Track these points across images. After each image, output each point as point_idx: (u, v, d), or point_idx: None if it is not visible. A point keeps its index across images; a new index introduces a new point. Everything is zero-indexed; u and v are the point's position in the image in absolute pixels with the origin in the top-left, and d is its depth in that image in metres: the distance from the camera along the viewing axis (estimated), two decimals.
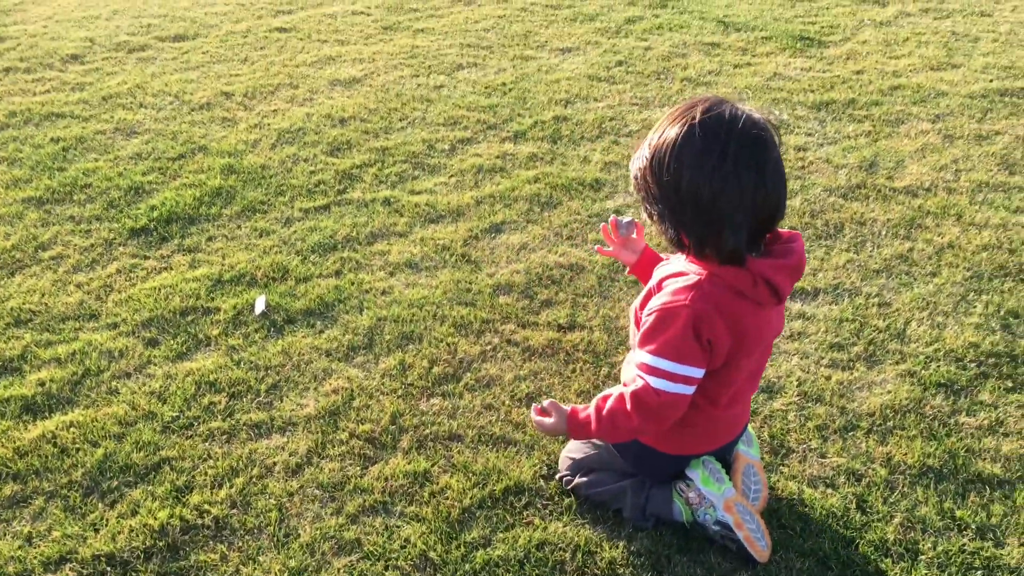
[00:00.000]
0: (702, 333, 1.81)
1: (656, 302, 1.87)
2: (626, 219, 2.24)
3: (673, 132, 1.75)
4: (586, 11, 6.52)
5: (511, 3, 6.87)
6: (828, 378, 2.66)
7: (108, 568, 2.12)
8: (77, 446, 2.50)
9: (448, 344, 2.88)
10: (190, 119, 4.80)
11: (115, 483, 2.37)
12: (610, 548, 2.12)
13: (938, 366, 2.68)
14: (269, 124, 4.69)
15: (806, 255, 2.03)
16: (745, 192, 1.71)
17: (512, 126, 4.59)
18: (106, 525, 2.23)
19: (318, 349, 2.89)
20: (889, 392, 2.58)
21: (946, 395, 2.57)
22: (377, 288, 3.21)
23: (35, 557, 2.16)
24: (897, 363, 2.71)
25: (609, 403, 1.97)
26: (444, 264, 3.37)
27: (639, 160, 1.84)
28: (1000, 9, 6.18)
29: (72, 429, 2.56)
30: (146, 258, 3.48)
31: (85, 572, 2.11)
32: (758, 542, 2.03)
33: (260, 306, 3.10)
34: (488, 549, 2.13)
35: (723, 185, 1.71)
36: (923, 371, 2.67)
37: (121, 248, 3.55)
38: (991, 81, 4.86)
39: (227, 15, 6.76)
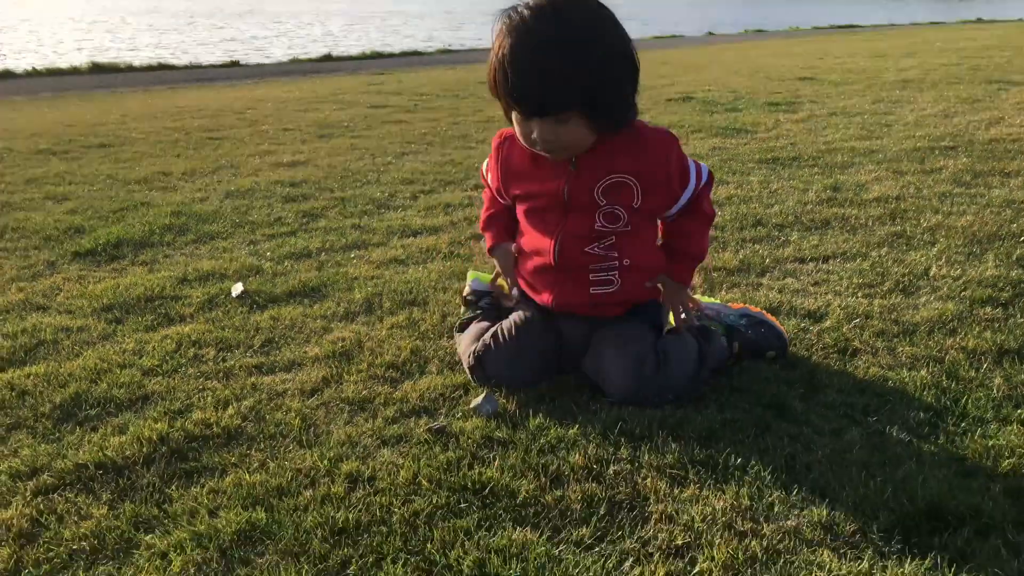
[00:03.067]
0: None
1: (665, 151, 1.94)
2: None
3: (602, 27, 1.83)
4: None
5: (441, 117, 7.02)
6: (870, 304, 2.52)
7: (98, 473, 1.69)
8: (40, 389, 2.09)
9: (458, 304, 2.62)
10: (127, 189, 4.55)
11: (93, 412, 1.97)
12: (702, 419, 1.84)
13: (974, 290, 2.59)
14: (215, 188, 4.48)
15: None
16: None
17: (472, 182, 4.51)
18: (88, 444, 1.81)
19: (311, 316, 2.58)
20: (936, 309, 2.46)
21: (993, 306, 2.47)
22: (365, 276, 2.95)
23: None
24: (932, 292, 2.61)
25: (701, 229, 2.04)
26: (433, 259, 3.15)
27: (591, 63, 1.79)
28: (899, 111, 6.67)
29: (32, 378, 2.15)
30: (95, 271, 3.13)
31: (67, 479, 1.68)
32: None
33: (237, 290, 2.79)
34: (559, 430, 1.82)
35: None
36: (962, 293, 2.57)
37: (66, 267, 3.20)
38: (918, 142, 5.13)
39: (153, 132, 6.63)
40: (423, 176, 4.65)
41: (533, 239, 2.05)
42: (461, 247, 3.29)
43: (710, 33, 27.58)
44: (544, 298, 2.08)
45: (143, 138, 6.28)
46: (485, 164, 2.21)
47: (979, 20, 30.94)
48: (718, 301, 2.36)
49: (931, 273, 2.76)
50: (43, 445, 1.80)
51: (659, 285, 2.09)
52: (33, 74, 16.20)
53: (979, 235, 3.15)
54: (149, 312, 2.63)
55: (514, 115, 1.88)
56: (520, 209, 2.08)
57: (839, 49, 13.97)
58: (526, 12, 1.79)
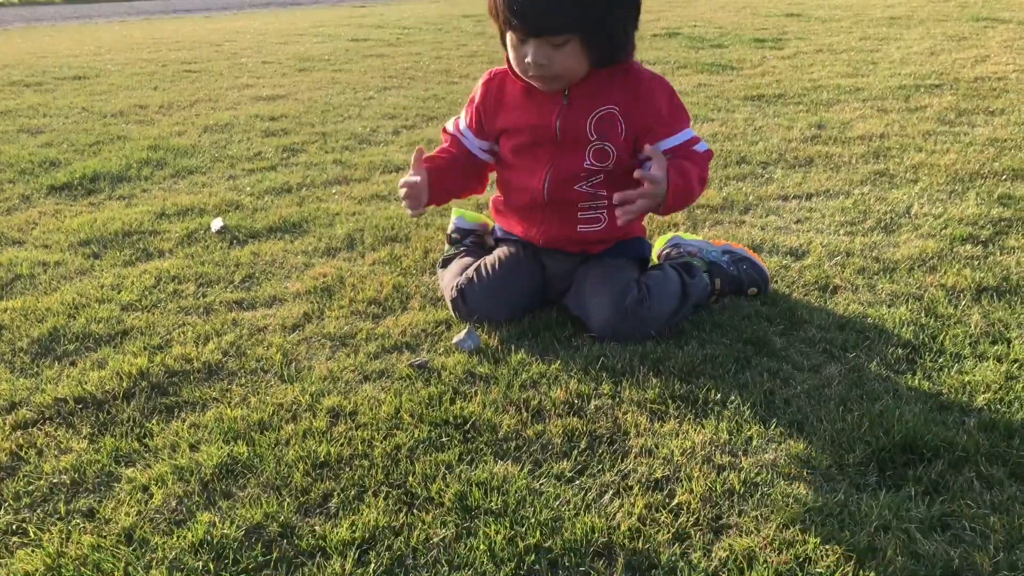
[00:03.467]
0: None
1: (659, 89, 1.93)
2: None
3: None
4: (499, 56, 6.58)
5: (424, 51, 6.90)
6: (851, 241, 2.53)
7: (78, 407, 1.69)
8: (17, 324, 2.07)
9: (441, 240, 2.61)
10: (103, 121, 4.46)
11: (72, 347, 1.95)
12: (683, 355, 1.84)
13: (955, 228, 2.59)
14: (193, 122, 4.40)
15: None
16: None
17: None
18: (67, 378, 1.80)
19: (292, 252, 2.56)
20: (917, 247, 2.46)
21: (973, 244, 2.48)
22: (346, 212, 2.92)
23: None
24: (914, 230, 2.61)
25: (696, 172, 1.90)
26: None
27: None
28: (886, 48, 6.60)
29: (9, 312, 2.13)
30: (72, 205, 3.08)
31: (46, 414, 1.67)
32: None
33: (217, 225, 2.76)
34: (541, 365, 1.82)
35: None
36: (942, 231, 2.58)
37: (42, 201, 3.15)
38: (904, 80, 5.09)
39: (128, 64, 6.49)
40: (405, 111, 4.59)
41: (521, 176, 2.03)
42: None
43: None
44: (531, 233, 2.07)
45: (118, 70, 6.14)
46: (452, 120, 2.16)
47: None
48: (700, 238, 2.36)
49: (913, 211, 2.76)
50: (21, 379, 1.79)
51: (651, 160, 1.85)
52: (4, 4, 15.79)
53: (961, 173, 3.15)
54: (127, 247, 2.60)
55: (509, 38, 1.85)
56: (508, 145, 2.05)
57: None
58: None
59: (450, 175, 2.06)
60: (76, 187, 3.24)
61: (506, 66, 1.99)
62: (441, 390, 1.72)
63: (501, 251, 2.14)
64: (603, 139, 1.94)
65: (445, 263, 2.24)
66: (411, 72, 6.00)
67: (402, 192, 1.95)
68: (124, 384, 1.75)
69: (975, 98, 4.48)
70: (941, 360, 1.81)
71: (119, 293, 2.23)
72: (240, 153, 3.72)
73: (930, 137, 3.72)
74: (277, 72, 6.02)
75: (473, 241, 2.32)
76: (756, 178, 3.22)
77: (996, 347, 1.86)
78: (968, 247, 2.44)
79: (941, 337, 1.90)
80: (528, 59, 1.82)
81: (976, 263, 2.32)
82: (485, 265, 2.09)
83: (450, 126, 2.15)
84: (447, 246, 2.38)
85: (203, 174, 3.44)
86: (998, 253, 2.39)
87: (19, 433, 1.60)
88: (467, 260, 2.19)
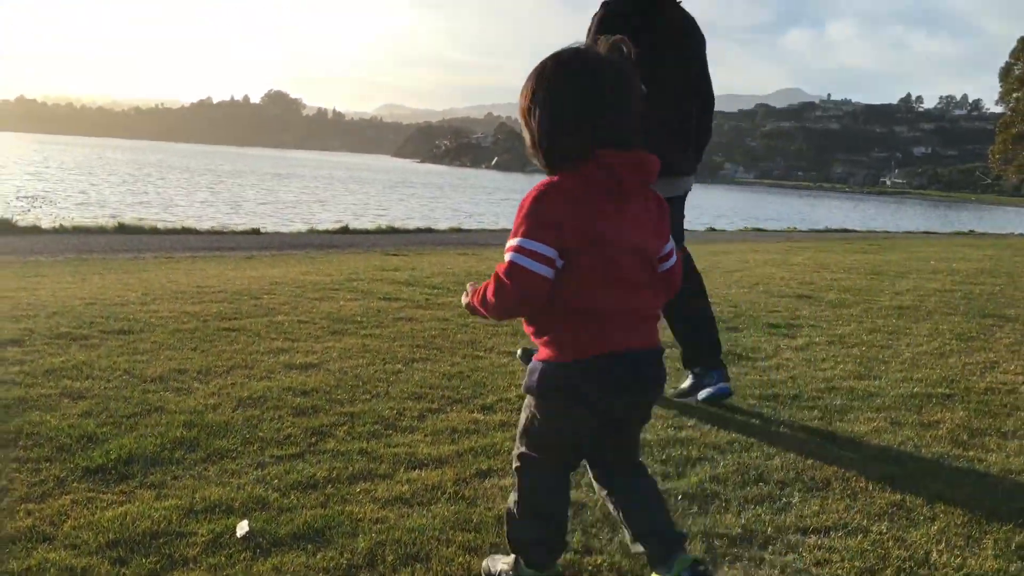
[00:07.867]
0: None
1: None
2: None
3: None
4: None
5: (452, 317, 7.21)
6: None
7: None
8: None
9: (460, 563, 2.65)
10: (143, 388, 4.64)
11: None
12: None
13: None
14: (228, 393, 4.57)
15: None
16: None
17: (478, 402, 4.61)
18: None
19: (314, 568, 2.61)
20: None
21: None
22: (370, 518, 2.99)
23: None
24: None
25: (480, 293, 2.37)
26: (437, 500, 3.20)
27: None
28: (896, 344, 6.84)
29: None
30: (105, 492, 3.17)
31: None
32: None
33: (243, 529, 2.82)
34: None
35: None
36: None
37: (76, 484, 3.24)
38: (914, 388, 5.26)
39: (172, 318, 6.81)
40: (431, 391, 4.75)
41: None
42: (466, 486, 3.33)
43: (711, 229, 28.63)
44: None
45: (162, 325, 6.44)
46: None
47: (971, 232, 32.12)
48: None
49: (931, 560, 2.79)
50: None
51: None
52: (60, 231, 16.71)
53: (978, 513, 3.20)
54: (153, 552, 2.65)
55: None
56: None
57: (835, 262, 14.41)
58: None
59: None
60: (110, 470, 3.34)
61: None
62: None
63: None
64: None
65: None
66: (438, 341, 6.25)
67: None
68: None
69: (987, 416, 4.61)
70: None
71: None
72: (270, 436, 3.84)
73: (945, 463, 3.80)
74: (311, 335, 6.29)
75: None
76: (774, 502, 3.28)
77: None
78: None
79: None
80: None
81: None
82: None
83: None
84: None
85: (233, 459, 3.54)
86: None
87: None
88: None
